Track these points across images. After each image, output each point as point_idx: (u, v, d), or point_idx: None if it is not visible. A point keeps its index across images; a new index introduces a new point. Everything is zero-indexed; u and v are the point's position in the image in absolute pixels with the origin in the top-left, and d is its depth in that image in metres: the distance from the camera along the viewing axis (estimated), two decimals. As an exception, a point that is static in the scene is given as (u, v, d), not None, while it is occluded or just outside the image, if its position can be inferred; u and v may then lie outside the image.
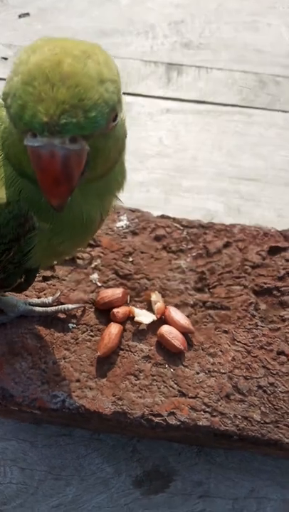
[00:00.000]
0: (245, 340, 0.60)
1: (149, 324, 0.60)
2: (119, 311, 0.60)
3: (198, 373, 0.58)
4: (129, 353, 0.59)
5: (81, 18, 1.09)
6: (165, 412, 0.55)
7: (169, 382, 0.57)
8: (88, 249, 0.65)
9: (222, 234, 0.67)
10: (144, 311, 0.61)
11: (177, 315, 0.60)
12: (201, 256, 0.65)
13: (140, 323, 0.60)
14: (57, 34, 1.00)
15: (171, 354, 0.59)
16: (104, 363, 0.58)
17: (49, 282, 0.63)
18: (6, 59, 1.01)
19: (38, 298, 0.61)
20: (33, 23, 1.08)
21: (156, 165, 0.92)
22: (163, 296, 0.62)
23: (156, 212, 0.69)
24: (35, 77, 0.31)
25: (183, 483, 0.65)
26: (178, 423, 0.55)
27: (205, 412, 0.56)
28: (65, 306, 0.60)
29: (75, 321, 0.60)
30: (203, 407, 0.56)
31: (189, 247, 0.66)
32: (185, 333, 0.59)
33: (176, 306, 0.62)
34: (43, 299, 0.61)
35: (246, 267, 0.65)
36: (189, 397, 0.56)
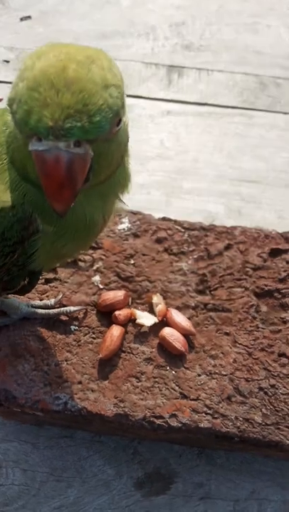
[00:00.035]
0: (246, 342, 0.60)
1: (150, 326, 0.60)
2: (121, 314, 0.60)
3: (199, 375, 0.58)
4: (131, 355, 0.59)
5: (82, 21, 1.09)
6: (167, 414, 0.55)
7: (171, 384, 0.57)
8: (90, 251, 0.65)
9: (223, 236, 0.67)
10: (146, 314, 0.61)
11: (179, 317, 0.60)
12: (203, 258, 0.66)
13: (142, 326, 0.60)
14: (58, 37, 1.02)
15: (172, 356, 0.59)
16: (106, 365, 0.58)
17: (51, 284, 0.63)
18: (7, 62, 1.01)
19: (41, 300, 0.62)
20: (34, 26, 1.08)
21: (157, 167, 0.92)
22: (164, 298, 0.63)
23: (157, 215, 0.69)
24: (40, 83, 0.32)
25: (184, 485, 0.65)
26: (179, 425, 0.55)
27: (206, 413, 0.56)
28: (67, 309, 0.60)
29: (77, 323, 0.60)
30: (205, 409, 0.56)
31: (190, 249, 0.66)
32: (186, 335, 0.60)
33: (178, 308, 0.62)
34: (46, 301, 0.61)
35: (247, 269, 0.65)
36: (191, 399, 0.56)
